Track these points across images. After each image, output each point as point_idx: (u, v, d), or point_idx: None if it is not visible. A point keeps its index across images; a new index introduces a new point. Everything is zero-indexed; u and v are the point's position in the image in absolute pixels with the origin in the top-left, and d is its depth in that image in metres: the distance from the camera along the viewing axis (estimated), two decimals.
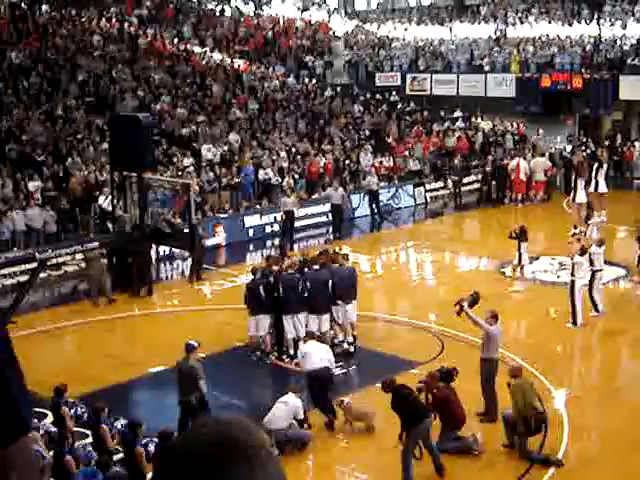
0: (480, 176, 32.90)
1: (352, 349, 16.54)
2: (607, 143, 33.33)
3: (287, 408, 12.65)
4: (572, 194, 23.00)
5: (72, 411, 12.10)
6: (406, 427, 11.60)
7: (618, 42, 36.99)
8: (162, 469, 1.48)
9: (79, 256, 20.73)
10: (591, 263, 18.14)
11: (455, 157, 33.78)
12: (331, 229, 27.90)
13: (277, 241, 25.53)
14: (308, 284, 15.95)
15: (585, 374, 16.25)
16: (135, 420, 11.23)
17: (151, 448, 10.94)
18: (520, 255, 20.95)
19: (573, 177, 24.61)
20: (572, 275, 17.70)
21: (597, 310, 18.15)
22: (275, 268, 16.59)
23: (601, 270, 18.29)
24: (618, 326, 18.10)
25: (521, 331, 18.40)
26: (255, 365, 15.96)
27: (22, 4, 37.51)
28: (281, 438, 12.38)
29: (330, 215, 27.93)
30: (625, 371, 16.96)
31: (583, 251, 17.90)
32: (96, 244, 18.90)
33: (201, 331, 18.09)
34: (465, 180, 33.74)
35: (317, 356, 13.30)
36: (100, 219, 23.78)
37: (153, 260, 22.63)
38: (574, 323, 17.53)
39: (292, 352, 16.00)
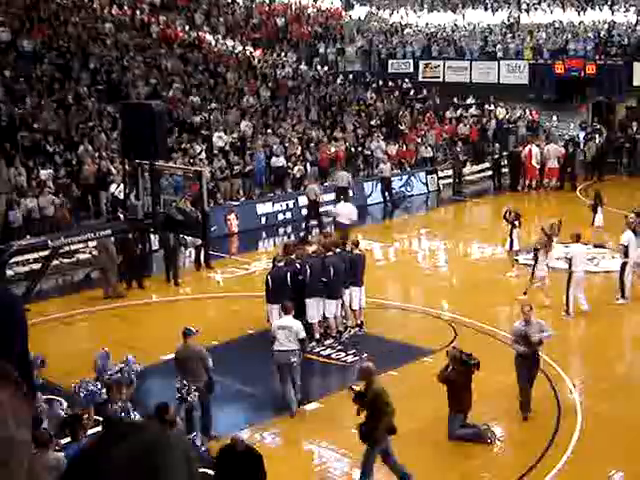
0: (492, 163, 32.86)
1: (359, 332, 16.77)
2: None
3: (288, 333, 13.28)
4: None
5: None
6: None
7: (632, 28, 36.73)
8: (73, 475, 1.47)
9: (92, 244, 20.66)
10: (625, 255, 18.06)
11: (457, 144, 33.41)
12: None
13: (303, 225, 25.82)
14: (331, 268, 16.09)
15: (599, 363, 16.11)
16: (162, 403, 11.08)
17: None
18: (512, 241, 20.84)
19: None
20: (570, 268, 17.67)
21: (623, 296, 18.17)
22: (294, 255, 16.59)
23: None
24: (635, 316, 18.10)
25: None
26: (268, 352, 15.91)
27: None
28: (285, 360, 13.25)
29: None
30: None
31: (578, 238, 17.85)
32: (108, 232, 18.87)
33: (213, 318, 18.14)
34: (477, 168, 33.68)
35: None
36: (112, 207, 23.78)
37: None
38: (567, 312, 17.57)
39: (317, 336, 16.25)
